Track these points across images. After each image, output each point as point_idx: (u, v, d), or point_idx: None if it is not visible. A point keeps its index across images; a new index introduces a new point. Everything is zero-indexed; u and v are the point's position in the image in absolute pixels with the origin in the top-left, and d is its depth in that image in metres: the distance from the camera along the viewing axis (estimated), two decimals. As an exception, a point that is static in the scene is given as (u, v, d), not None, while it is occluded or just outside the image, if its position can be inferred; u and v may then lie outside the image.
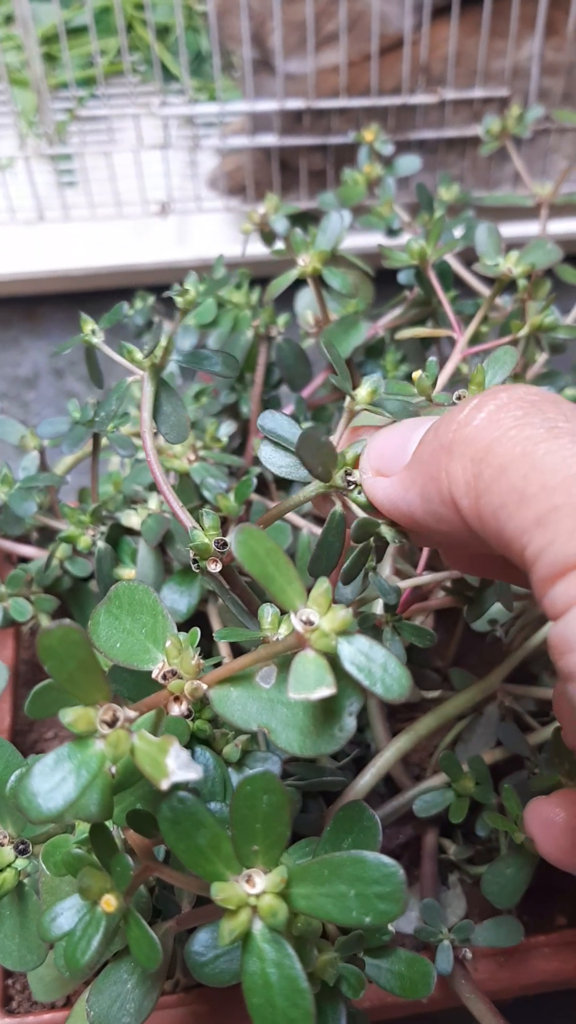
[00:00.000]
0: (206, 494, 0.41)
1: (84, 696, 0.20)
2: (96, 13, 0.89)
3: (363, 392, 0.28)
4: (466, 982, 0.34)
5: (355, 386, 0.29)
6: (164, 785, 0.20)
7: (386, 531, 0.27)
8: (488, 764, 0.37)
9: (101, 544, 0.39)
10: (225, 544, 0.28)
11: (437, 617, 0.44)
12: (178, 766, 0.20)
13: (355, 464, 0.27)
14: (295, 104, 0.72)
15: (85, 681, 0.20)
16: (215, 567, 0.28)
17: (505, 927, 0.34)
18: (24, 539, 0.46)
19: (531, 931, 0.38)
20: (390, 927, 0.29)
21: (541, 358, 0.46)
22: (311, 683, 0.21)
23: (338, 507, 0.28)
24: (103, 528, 0.39)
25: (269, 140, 0.74)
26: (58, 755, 0.20)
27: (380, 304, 0.53)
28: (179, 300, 0.36)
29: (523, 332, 0.40)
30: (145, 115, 0.74)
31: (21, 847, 0.29)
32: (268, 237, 0.49)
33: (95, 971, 0.35)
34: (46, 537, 0.46)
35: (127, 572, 0.40)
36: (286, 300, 0.49)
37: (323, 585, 0.22)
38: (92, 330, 0.36)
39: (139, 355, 0.33)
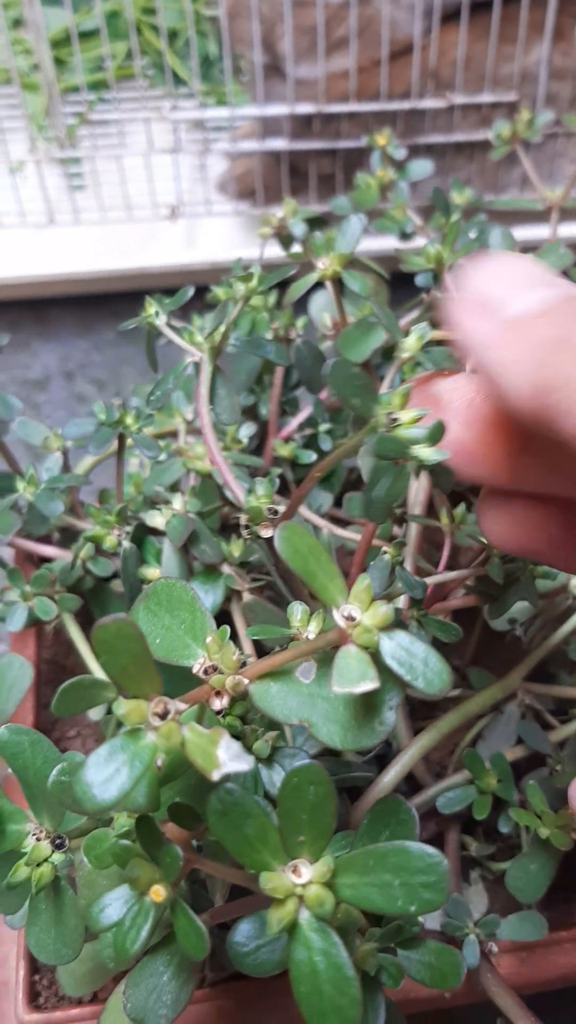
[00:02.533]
0: (228, 494, 0.41)
1: (136, 689, 0.21)
2: (104, 17, 0.89)
3: (411, 340, 0.29)
4: (492, 975, 0.34)
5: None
6: (215, 776, 0.20)
7: (423, 452, 0.24)
8: (509, 761, 0.38)
9: (126, 544, 0.40)
10: (276, 512, 0.29)
11: (454, 617, 0.45)
12: (229, 757, 0.20)
13: (402, 405, 0.26)
14: (305, 108, 0.72)
15: (138, 674, 0.21)
16: (267, 532, 0.29)
17: (530, 922, 0.35)
18: (46, 539, 0.46)
19: (553, 927, 0.38)
20: (421, 919, 0.30)
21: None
22: (354, 677, 0.22)
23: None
24: (128, 528, 0.40)
25: (279, 144, 0.75)
26: (112, 747, 0.21)
27: (395, 307, 0.54)
28: (240, 288, 0.36)
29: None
30: (156, 119, 0.75)
31: (58, 842, 0.29)
32: (286, 241, 0.49)
33: (125, 966, 0.36)
34: (67, 538, 0.46)
35: (152, 571, 0.40)
36: (299, 302, 0.50)
37: (364, 582, 0.23)
38: (155, 312, 0.37)
39: (199, 337, 0.34)
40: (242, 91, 0.84)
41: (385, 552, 0.35)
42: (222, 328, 0.34)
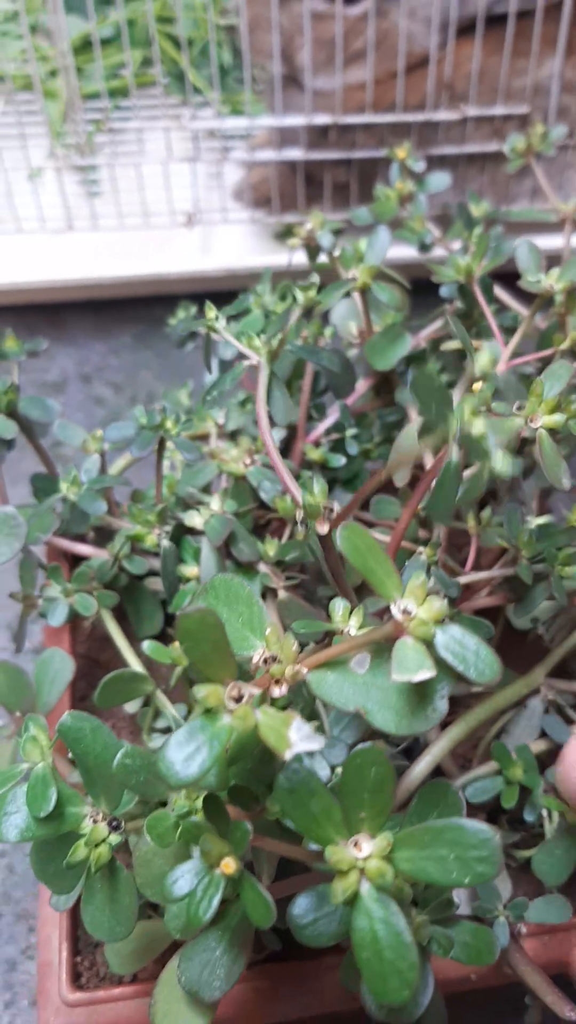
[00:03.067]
0: (263, 496, 0.43)
1: (213, 674, 0.23)
2: (121, 26, 0.91)
3: (483, 359, 0.30)
4: (521, 955, 0.36)
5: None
6: (288, 755, 0.22)
7: (498, 463, 0.27)
8: (534, 753, 0.40)
9: (166, 543, 0.41)
10: (332, 509, 0.31)
11: (476, 615, 0.46)
12: (300, 738, 0.22)
13: (472, 414, 0.28)
14: (322, 119, 0.74)
15: (216, 660, 0.22)
16: (323, 528, 0.31)
17: (555, 905, 0.37)
18: (80, 538, 0.48)
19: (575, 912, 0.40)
20: (456, 899, 0.32)
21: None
22: (412, 667, 0.24)
23: (454, 454, 0.29)
24: (167, 528, 0.42)
25: (295, 154, 0.77)
26: (191, 728, 0.22)
27: (415, 315, 0.56)
28: (300, 296, 0.38)
29: (565, 345, 0.42)
30: (174, 128, 0.77)
31: (114, 824, 0.31)
32: (313, 251, 0.51)
33: (169, 946, 0.38)
34: (101, 537, 0.48)
35: (190, 570, 0.42)
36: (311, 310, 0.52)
37: (419, 578, 0.25)
38: (215, 316, 0.38)
39: (257, 342, 0.36)
40: (257, 100, 0.86)
41: (421, 552, 0.37)
42: (279, 335, 0.36)
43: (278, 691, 0.26)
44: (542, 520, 0.43)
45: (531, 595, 0.39)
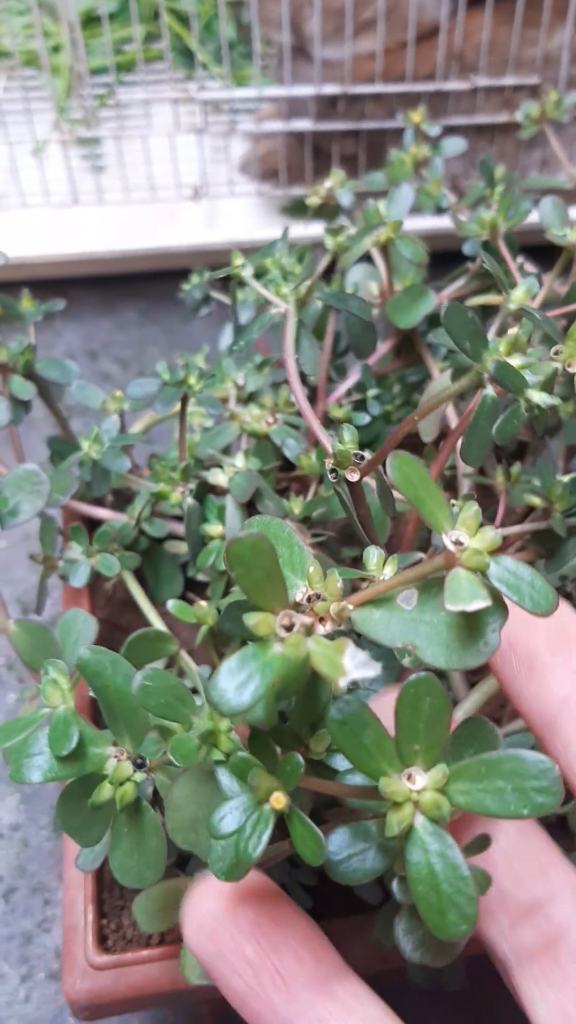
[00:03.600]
0: (287, 453, 0.43)
1: (264, 603, 0.22)
2: (124, 0, 0.90)
3: (519, 292, 0.30)
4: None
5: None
6: (342, 683, 0.21)
7: (536, 395, 0.27)
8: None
9: (190, 501, 0.41)
10: (363, 457, 0.30)
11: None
12: (355, 665, 0.22)
13: (508, 351, 0.28)
14: (331, 89, 0.74)
15: (268, 589, 0.22)
16: (354, 476, 0.30)
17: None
18: (98, 502, 0.47)
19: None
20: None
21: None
22: (466, 596, 0.23)
23: (490, 390, 0.29)
24: (191, 486, 0.41)
25: (304, 125, 0.76)
26: (242, 656, 0.22)
27: (433, 279, 0.55)
28: (329, 242, 0.37)
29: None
30: (182, 100, 0.76)
31: (139, 761, 0.31)
32: (331, 212, 0.50)
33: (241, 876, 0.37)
34: (120, 500, 0.47)
35: (214, 528, 0.41)
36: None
37: (472, 508, 0.24)
38: (242, 264, 0.38)
39: (285, 289, 0.35)
40: (264, 74, 0.85)
41: (454, 505, 0.36)
42: (307, 282, 0.35)
43: (322, 629, 0.26)
44: (571, 476, 0.42)
45: (562, 550, 0.38)
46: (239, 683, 0.21)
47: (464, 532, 0.24)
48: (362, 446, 0.49)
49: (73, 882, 0.40)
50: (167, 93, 0.76)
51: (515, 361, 0.29)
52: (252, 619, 0.22)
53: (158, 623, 0.43)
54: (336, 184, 0.49)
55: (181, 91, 0.77)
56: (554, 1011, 0.25)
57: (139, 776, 0.30)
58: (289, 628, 0.22)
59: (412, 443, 0.51)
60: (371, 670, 0.22)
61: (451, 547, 0.24)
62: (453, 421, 0.45)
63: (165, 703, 0.29)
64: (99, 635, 0.47)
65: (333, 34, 0.72)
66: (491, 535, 0.24)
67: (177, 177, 0.79)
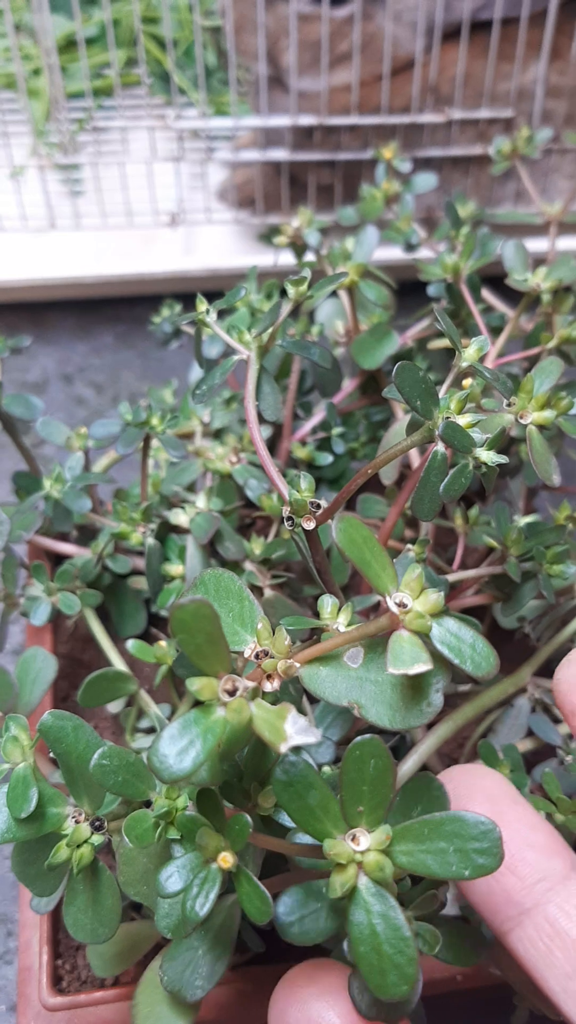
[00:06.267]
0: (249, 494, 0.43)
1: (208, 667, 0.22)
2: (105, 26, 0.91)
3: (471, 351, 0.30)
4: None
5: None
6: (283, 748, 0.22)
7: (484, 454, 0.28)
8: (521, 752, 0.40)
9: (151, 541, 0.41)
10: (319, 505, 0.30)
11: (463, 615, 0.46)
12: (296, 731, 0.22)
13: (459, 408, 0.29)
14: (307, 120, 0.74)
15: (211, 653, 0.22)
16: (309, 524, 0.30)
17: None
18: (62, 537, 0.47)
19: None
20: (444, 897, 0.31)
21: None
22: (408, 660, 0.23)
23: (440, 447, 0.29)
24: (152, 526, 0.41)
25: (280, 155, 0.77)
26: (184, 721, 0.22)
27: (401, 316, 0.56)
28: (291, 291, 0.38)
29: (552, 343, 0.42)
30: (159, 127, 0.77)
31: (97, 824, 0.31)
32: (300, 250, 0.51)
33: (152, 948, 0.37)
34: (84, 535, 0.48)
35: (175, 568, 0.42)
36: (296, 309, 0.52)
37: (415, 571, 0.25)
38: (206, 310, 0.38)
39: (247, 336, 0.35)
40: (242, 101, 0.86)
41: (409, 550, 0.37)
42: (270, 329, 0.35)
43: (270, 686, 0.26)
44: (530, 519, 0.43)
45: (519, 593, 0.39)
46: (180, 749, 0.22)
47: (408, 594, 0.24)
48: (328, 483, 0.50)
49: (28, 923, 0.40)
50: (145, 121, 0.76)
51: (465, 418, 0.30)
52: (195, 684, 0.22)
53: (118, 661, 0.43)
54: (304, 223, 0.50)
55: (158, 118, 0.78)
56: None
57: (97, 839, 0.30)
58: (232, 693, 0.23)
59: (377, 483, 0.51)
60: (311, 736, 0.22)
61: (395, 609, 0.24)
62: (415, 460, 0.46)
63: (123, 781, 0.29)
64: (61, 671, 0.48)
65: (309, 66, 0.73)
66: (434, 597, 0.24)
67: (154, 203, 0.80)
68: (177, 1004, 0.31)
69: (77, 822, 0.31)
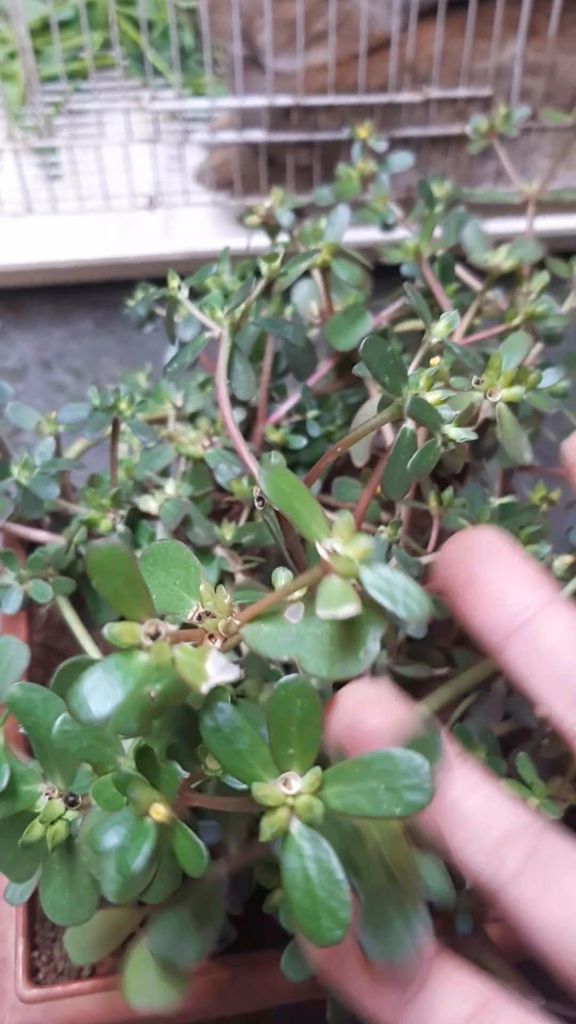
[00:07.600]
0: (219, 479, 0.45)
1: (129, 612, 0.23)
2: (79, 8, 0.93)
3: (440, 326, 0.32)
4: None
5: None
6: (204, 688, 0.23)
7: (452, 431, 0.29)
8: (497, 736, 0.41)
9: (121, 527, 0.43)
10: None
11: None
12: (216, 670, 0.23)
13: (428, 385, 0.30)
14: (284, 101, 0.76)
15: (130, 596, 0.23)
16: None
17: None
18: (36, 524, 0.50)
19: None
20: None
21: (535, 349, 0.51)
22: (336, 602, 0.24)
23: (409, 424, 0.30)
24: (122, 512, 0.43)
25: (257, 136, 0.79)
26: (105, 665, 0.22)
27: (377, 297, 0.58)
28: (264, 267, 0.39)
29: (516, 321, 0.44)
30: (135, 109, 0.79)
31: (71, 799, 0.31)
32: (272, 230, 0.53)
33: (129, 933, 0.39)
34: (58, 522, 0.50)
35: (145, 553, 0.44)
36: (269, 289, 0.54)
37: (345, 516, 0.26)
38: (178, 286, 0.39)
39: (220, 313, 0.36)
40: (218, 83, 0.88)
41: (382, 531, 0.39)
42: (242, 306, 0.37)
43: (215, 646, 0.28)
44: (505, 500, 0.45)
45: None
46: (102, 693, 0.22)
47: (339, 541, 0.26)
48: (304, 466, 0.52)
49: (4, 914, 0.41)
50: (120, 103, 0.79)
51: (434, 395, 0.31)
52: (115, 628, 0.23)
53: (92, 649, 0.45)
54: (276, 203, 0.52)
55: (134, 100, 0.80)
56: (555, 903, 0.26)
57: (71, 814, 0.31)
58: (155, 637, 0.23)
59: (354, 467, 0.54)
60: (231, 674, 0.24)
61: (325, 556, 0.26)
62: (390, 438, 0.48)
63: (88, 746, 0.29)
64: (35, 659, 0.50)
65: (285, 45, 0.75)
66: (364, 542, 0.25)
67: (131, 186, 0.82)
68: (167, 975, 0.32)
69: (50, 798, 0.31)
